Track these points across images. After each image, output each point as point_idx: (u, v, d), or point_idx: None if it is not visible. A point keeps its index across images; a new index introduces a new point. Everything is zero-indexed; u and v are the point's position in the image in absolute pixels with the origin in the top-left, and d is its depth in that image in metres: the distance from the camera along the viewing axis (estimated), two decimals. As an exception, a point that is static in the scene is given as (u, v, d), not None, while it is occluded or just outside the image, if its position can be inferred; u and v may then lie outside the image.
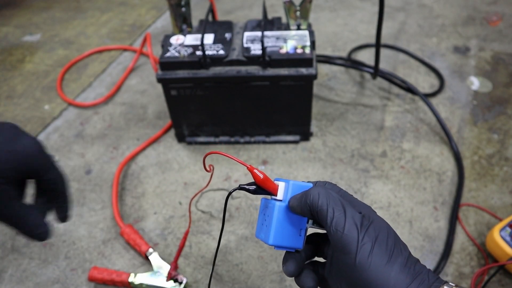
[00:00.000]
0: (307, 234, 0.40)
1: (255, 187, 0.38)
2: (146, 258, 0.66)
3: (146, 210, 0.75)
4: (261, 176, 0.37)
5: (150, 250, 0.66)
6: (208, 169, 0.40)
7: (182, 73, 0.74)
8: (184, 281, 0.62)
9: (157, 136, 0.87)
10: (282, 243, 0.37)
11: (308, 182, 0.39)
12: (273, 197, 0.38)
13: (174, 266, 0.63)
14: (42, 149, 0.39)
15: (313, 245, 0.41)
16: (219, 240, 0.41)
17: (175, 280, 0.62)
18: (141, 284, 0.63)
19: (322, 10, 1.28)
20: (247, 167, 0.37)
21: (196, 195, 0.60)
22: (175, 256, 0.63)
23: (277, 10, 1.29)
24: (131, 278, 0.63)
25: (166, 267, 0.64)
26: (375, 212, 0.37)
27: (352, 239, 0.33)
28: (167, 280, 0.62)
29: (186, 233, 0.63)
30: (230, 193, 0.38)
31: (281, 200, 0.38)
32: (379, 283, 0.32)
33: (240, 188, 0.38)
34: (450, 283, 0.33)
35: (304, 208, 0.36)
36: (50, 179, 0.40)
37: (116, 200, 0.75)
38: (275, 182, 0.38)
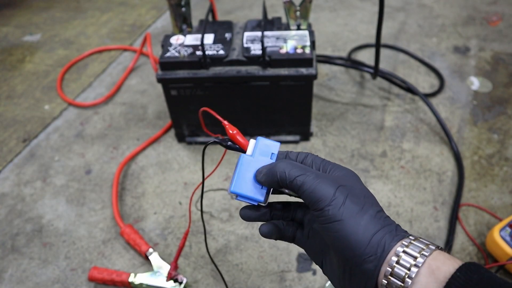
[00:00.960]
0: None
1: (229, 142, 0.41)
2: (146, 258, 0.66)
3: (146, 210, 0.75)
4: (234, 131, 0.41)
5: (150, 250, 0.66)
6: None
7: (182, 73, 0.74)
8: (184, 281, 0.62)
9: (157, 136, 0.87)
10: (242, 191, 0.38)
11: (275, 141, 0.41)
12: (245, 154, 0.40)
13: (174, 266, 0.63)
14: None
15: (287, 212, 0.43)
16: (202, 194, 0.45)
17: (175, 280, 0.62)
18: (141, 284, 0.63)
19: (322, 10, 1.28)
20: (223, 123, 0.40)
21: (196, 188, 0.59)
22: (175, 256, 0.63)
23: (277, 10, 1.29)
24: (131, 278, 0.63)
25: (166, 267, 0.64)
26: (351, 171, 0.39)
27: (324, 196, 0.34)
28: (167, 280, 0.62)
29: (186, 233, 0.63)
30: (205, 146, 0.41)
31: (250, 155, 0.40)
32: (349, 231, 0.33)
33: (215, 142, 0.41)
34: (412, 236, 0.35)
35: (273, 184, 0.38)
36: None
37: (116, 200, 0.75)
38: (251, 140, 0.41)
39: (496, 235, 0.62)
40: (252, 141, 0.40)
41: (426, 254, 0.32)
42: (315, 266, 0.65)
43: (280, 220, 0.43)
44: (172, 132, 0.89)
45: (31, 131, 0.93)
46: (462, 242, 0.67)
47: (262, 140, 0.40)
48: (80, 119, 0.95)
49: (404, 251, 0.33)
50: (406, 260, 0.32)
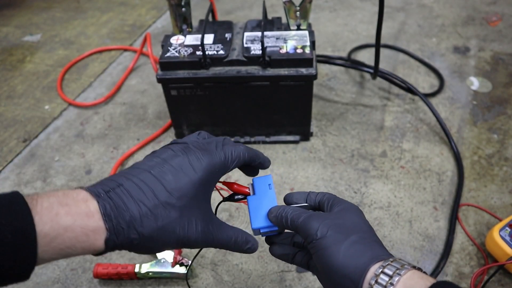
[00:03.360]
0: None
1: (234, 196, 0.46)
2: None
3: (146, 210, 0.75)
4: (234, 186, 0.46)
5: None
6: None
7: (182, 73, 0.74)
8: (190, 263, 0.63)
9: (155, 135, 0.88)
10: (261, 225, 0.43)
11: (266, 175, 0.46)
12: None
13: (179, 251, 0.64)
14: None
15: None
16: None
17: (181, 264, 0.63)
18: (147, 273, 0.63)
19: (322, 10, 1.28)
20: (218, 187, 0.45)
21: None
22: None
23: (277, 10, 1.29)
24: (137, 269, 0.63)
25: (170, 254, 0.65)
26: (351, 205, 0.43)
27: (312, 230, 0.39)
28: (173, 265, 0.63)
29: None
30: (217, 206, 0.45)
31: (253, 195, 0.45)
32: (331, 256, 0.37)
33: (224, 200, 0.47)
34: (392, 257, 0.37)
35: (279, 224, 0.43)
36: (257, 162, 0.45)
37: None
38: (248, 184, 0.46)
39: (496, 235, 0.62)
40: (250, 185, 0.45)
41: (401, 273, 0.35)
42: (315, 266, 0.65)
43: (295, 247, 0.47)
44: (172, 132, 0.89)
45: (31, 131, 0.93)
46: (462, 242, 0.68)
47: (256, 180, 0.45)
48: (80, 119, 0.95)
49: (382, 271, 0.35)
50: (383, 279, 0.35)
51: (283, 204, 0.46)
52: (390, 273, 0.35)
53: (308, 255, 0.46)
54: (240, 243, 0.42)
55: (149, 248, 0.36)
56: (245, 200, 0.44)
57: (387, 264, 0.36)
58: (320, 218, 0.40)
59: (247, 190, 0.45)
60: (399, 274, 0.35)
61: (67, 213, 0.31)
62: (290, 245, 0.47)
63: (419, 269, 0.37)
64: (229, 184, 0.45)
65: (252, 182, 0.45)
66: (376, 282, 0.35)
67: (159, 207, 0.34)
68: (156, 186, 0.35)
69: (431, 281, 0.34)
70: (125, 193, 0.34)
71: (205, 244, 0.39)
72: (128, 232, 0.34)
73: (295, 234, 0.47)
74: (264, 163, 0.45)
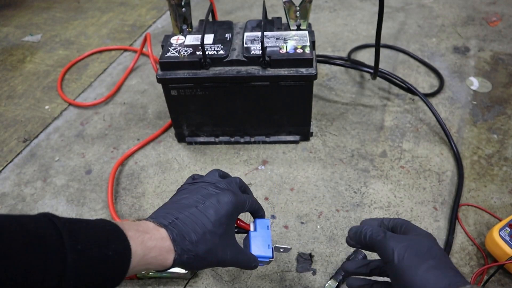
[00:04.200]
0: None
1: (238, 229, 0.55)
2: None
3: (146, 210, 0.75)
4: (240, 223, 0.55)
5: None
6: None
7: (182, 73, 0.74)
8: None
9: (155, 135, 0.88)
10: (258, 253, 0.53)
11: (266, 218, 0.57)
12: (250, 230, 0.56)
13: None
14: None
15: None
16: None
17: None
18: (147, 273, 0.63)
19: (322, 10, 1.28)
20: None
21: None
22: None
23: (277, 10, 1.29)
24: None
25: None
26: (426, 233, 0.47)
27: (389, 251, 0.42)
28: None
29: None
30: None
31: (254, 231, 0.55)
32: (409, 279, 0.39)
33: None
34: (469, 284, 0.38)
35: (357, 241, 0.48)
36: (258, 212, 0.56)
37: (111, 195, 0.75)
38: (251, 222, 0.56)
39: (496, 235, 0.62)
40: (251, 223, 0.56)
41: None
42: (315, 266, 0.65)
43: (371, 278, 0.50)
44: (172, 132, 0.89)
45: (31, 131, 0.93)
46: (462, 242, 0.68)
47: (258, 220, 0.56)
48: (80, 119, 0.95)
49: None
50: None
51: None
52: None
53: (385, 285, 0.48)
54: (252, 263, 0.51)
55: (198, 266, 0.46)
56: (245, 232, 0.55)
57: None
58: (397, 239, 0.43)
59: (247, 226, 0.55)
60: None
61: (150, 238, 0.41)
62: (367, 272, 0.50)
63: None
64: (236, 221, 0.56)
65: (254, 221, 0.56)
66: None
67: (207, 234, 0.45)
68: (203, 219, 0.45)
69: None
70: (182, 224, 0.44)
71: (231, 264, 0.49)
72: (188, 253, 0.44)
73: (371, 262, 0.50)
74: (263, 216, 0.56)
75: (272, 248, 0.55)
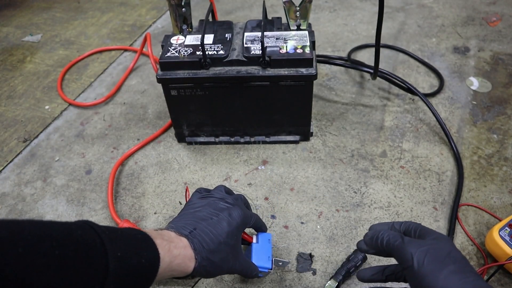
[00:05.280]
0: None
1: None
2: None
3: (146, 210, 0.75)
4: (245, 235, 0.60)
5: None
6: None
7: (182, 73, 0.74)
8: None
9: (154, 136, 0.88)
10: (259, 263, 0.57)
11: (268, 233, 0.62)
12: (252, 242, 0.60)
13: None
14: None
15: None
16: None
17: None
18: None
19: (322, 10, 1.28)
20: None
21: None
22: None
23: (277, 10, 1.29)
24: None
25: None
26: (443, 236, 0.45)
27: (408, 256, 0.42)
28: None
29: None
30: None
31: (256, 243, 0.60)
32: (429, 285, 0.39)
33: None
34: None
35: (373, 246, 0.47)
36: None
37: (111, 195, 0.75)
38: (253, 236, 0.61)
39: (496, 235, 0.62)
40: (254, 236, 0.60)
41: None
42: (315, 266, 0.65)
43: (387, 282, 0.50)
44: (172, 132, 0.89)
45: (31, 131, 0.93)
46: (462, 241, 0.68)
47: (261, 234, 0.61)
48: (80, 119, 0.95)
49: None
50: None
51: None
52: None
53: None
54: (253, 271, 0.55)
55: (213, 274, 0.50)
56: (248, 244, 0.60)
57: None
58: (416, 244, 0.42)
59: (250, 238, 0.60)
60: None
61: (175, 247, 0.44)
62: (382, 279, 0.49)
63: None
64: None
65: (257, 234, 0.61)
66: None
67: (222, 244, 0.48)
68: (217, 230, 0.49)
69: None
70: (200, 234, 0.48)
71: (238, 272, 0.53)
72: (207, 261, 0.47)
73: (386, 268, 0.49)
74: (265, 231, 0.61)
75: (272, 260, 0.59)
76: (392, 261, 0.48)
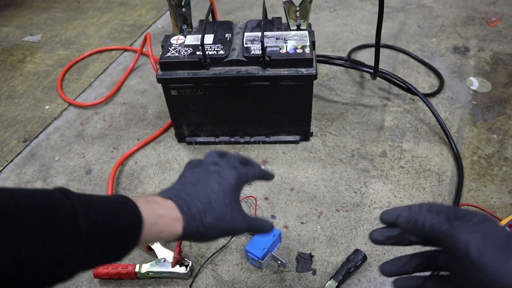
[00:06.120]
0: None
1: None
2: (148, 249, 0.67)
3: (146, 210, 0.75)
4: None
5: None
6: None
7: (182, 73, 0.74)
8: (190, 264, 0.64)
9: (154, 136, 0.88)
10: (251, 250, 0.60)
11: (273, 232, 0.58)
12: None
13: (179, 251, 0.64)
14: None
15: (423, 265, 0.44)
16: None
17: (181, 264, 0.64)
18: (147, 273, 0.63)
19: (322, 10, 1.28)
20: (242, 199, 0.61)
21: None
22: (177, 243, 0.64)
23: (277, 10, 1.29)
24: (137, 269, 0.63)
25: (170, 255, 0.65)
26: (484, 215, 0.39)
27: (461, 242, 0.35)
28: (173, 265, 0.64)
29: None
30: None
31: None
32: (496, 277, 0.33)
33: None
34: None
35: (410, 230, 0.41)
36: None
37: (111, 192, 0.75)
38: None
39: (496, 234, 0.62)
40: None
41: None
42: (315, 266, 0.65)
43: (419, 277, 0.43)
44: (172, 132, 0.89)
45: (31, 131, 0.93)
46: (462, 241, 0.68)
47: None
48: (80, 119, 0.95)
49: None
50: None
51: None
52: None
53: (438, 281, 0.42)
54: (265, 225, 0.52)
55: (209, 235, 0.46)
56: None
57: None
58: (468, 229, 0.36)
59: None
60: None
61: (159, 207, 0.43)
62: (409, 271, 0.43)
63: None
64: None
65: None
66: None
67: (212, 203, 0.46)
68: (206, 191, 0.47)
69: None
70: (188, 196, 0.45)
71: (245, 230, 0.50)
72: (196, 221, 0.44)
73: (413, 257, 0.43)
74: (270, 178, 0.57)
75: (266, 253, 0.60)
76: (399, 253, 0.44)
